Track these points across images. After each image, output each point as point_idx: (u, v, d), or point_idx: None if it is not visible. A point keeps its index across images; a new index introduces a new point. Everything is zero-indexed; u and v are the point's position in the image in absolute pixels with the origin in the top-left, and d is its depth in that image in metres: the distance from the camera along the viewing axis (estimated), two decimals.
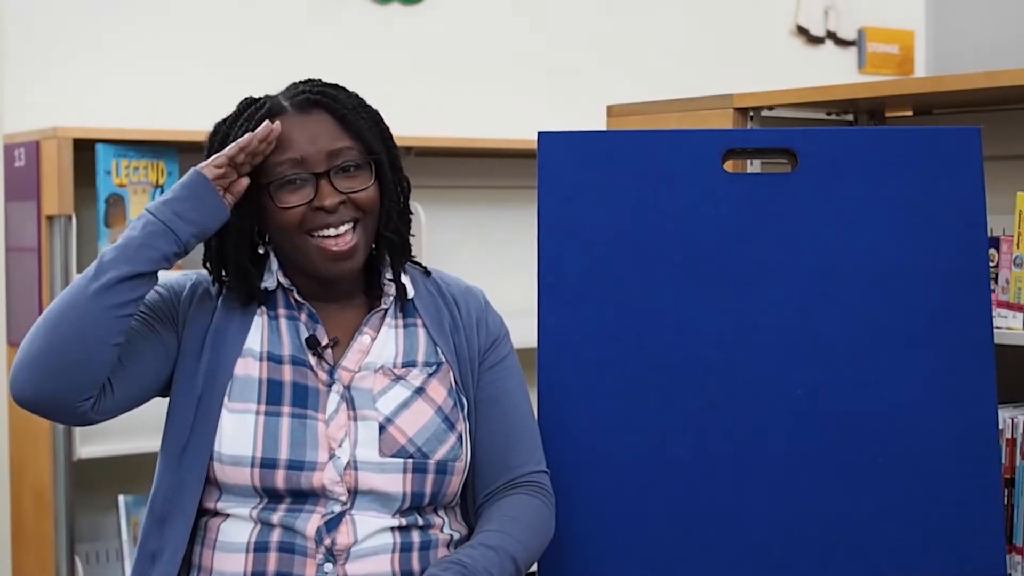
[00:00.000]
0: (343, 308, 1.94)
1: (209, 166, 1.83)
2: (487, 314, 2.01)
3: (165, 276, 1.90)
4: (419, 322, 1.96)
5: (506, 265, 3.72)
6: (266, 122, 1.84)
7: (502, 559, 1.83)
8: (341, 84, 1.95)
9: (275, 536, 1.83)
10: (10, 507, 3.66)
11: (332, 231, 1.86)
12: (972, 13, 5.33)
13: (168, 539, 1.87)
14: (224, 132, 1.90)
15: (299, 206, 1.85)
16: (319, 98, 1.89)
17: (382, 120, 1.94)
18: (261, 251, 1.94)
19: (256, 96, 1.93)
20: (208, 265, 1.93)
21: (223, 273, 1.92)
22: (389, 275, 1.95)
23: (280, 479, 1.83)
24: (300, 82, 1.95)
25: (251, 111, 1.89)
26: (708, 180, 2.05)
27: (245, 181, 1.85)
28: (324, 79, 1.96)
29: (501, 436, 1.94)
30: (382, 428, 1.86)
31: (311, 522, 1.83)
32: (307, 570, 1.82)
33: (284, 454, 1.83)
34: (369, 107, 1.93)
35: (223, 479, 1.85)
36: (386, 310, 1.94)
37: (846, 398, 2.02)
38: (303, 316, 1.92)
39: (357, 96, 1.93)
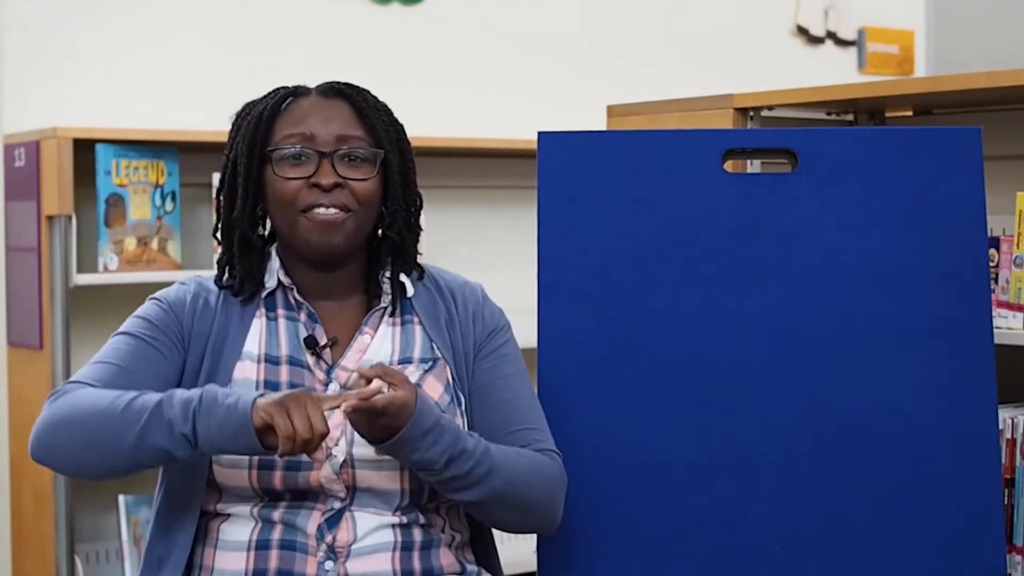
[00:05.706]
0: (342, 307, 1.94)
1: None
2: (484, 307, 2.00)
3: (166, 293, 1.93)
4: (415, 319, 1.96)
5: (506, 265, 3.71)
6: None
7: (477, 440, 1.82)
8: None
9: (276, 534, 1.83)
10: (10, 507, 3.66)
11: (322, 210, 1.87)
12: (972, 13, 5.33)
13: (174, 543, 1.88)
14: (247, 109, 1.93)
15: (297, 179, 1.87)
16: (344, 88, 1.94)
17: (404, 132, 1.95)
18: (261, 231, 1.95)
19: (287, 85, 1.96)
20: (218, 236, 1.95)
21: (232, 245, 1.93)
22: (388, 273, 1.95)
23: (278, 480, 1.83)
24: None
25: (277, 92, 1.93)
26: (708, 180, 2.05)
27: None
28: (325, 79, 1.97)
29: (499, 421, 1.91)
30: None
31: (312, 519, 1.84)
32: (308, 568, 1.82)
33: None
34: (395, 118, 1.95)
35: (223, 481, 1.85)
36: (385, 308, 1.94)
37: (846, 398, 2.02)
38: (302, 316, 1.92)
39: (387, 106, 1.95)
